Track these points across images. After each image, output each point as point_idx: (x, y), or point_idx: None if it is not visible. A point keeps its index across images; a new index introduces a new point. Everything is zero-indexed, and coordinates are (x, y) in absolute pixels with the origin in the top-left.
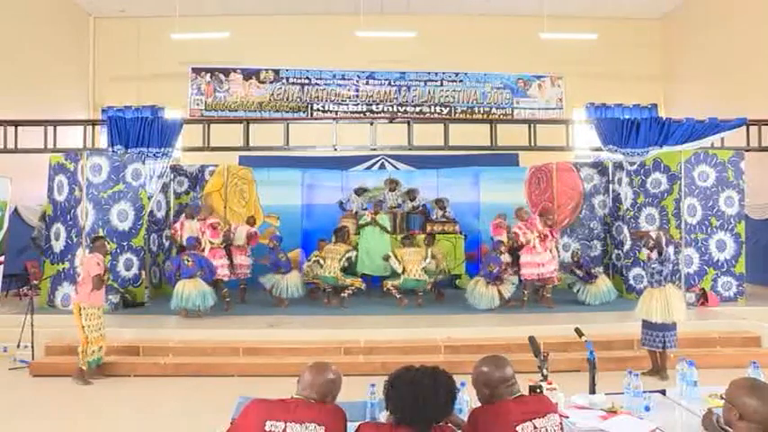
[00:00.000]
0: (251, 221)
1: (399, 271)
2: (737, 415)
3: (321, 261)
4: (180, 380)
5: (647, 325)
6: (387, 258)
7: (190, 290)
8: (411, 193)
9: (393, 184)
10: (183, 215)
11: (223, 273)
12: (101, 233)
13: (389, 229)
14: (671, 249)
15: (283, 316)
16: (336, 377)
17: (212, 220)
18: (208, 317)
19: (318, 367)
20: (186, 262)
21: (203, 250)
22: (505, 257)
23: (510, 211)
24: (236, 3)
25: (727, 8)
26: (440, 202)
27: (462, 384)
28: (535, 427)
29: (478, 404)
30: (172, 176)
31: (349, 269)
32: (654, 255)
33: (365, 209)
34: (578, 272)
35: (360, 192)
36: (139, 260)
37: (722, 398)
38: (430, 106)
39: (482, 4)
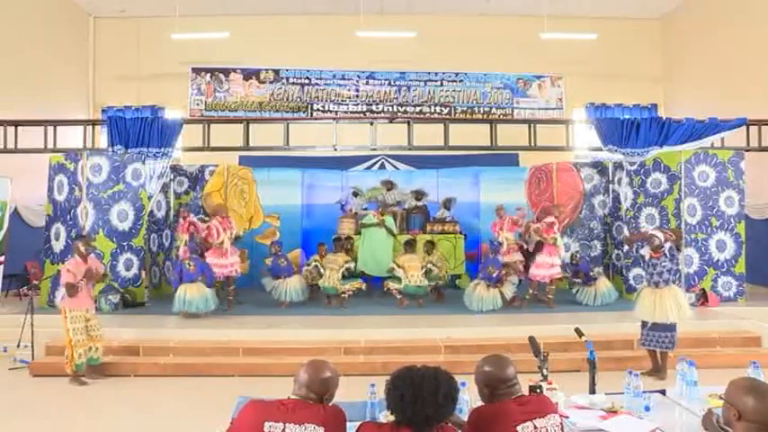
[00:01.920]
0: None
1: (402, 278)
2: (737, 415)
3: (321, 269)
4: (180, 380)
5: (653, 326)
6: (391, 270)
7: (192, 293)
8: (418, 194)
9: (389, 185)
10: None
11: (234, 270)
12: (101, 234)
13: (395, 231)
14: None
15: (283, 316)
16: (333, 375)
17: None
18: (208, 317)
19: (315, 365)
20: (188, 266)
21: (223, 245)
22: (515, 256)
23: (510, 210)
24: (236, 3)
25: (727, 8)
26: (447, 202)
27: (462, 384)
28: (535, 427)
29: (478, 404)
30: (172, 176)
31: (348, 276)
32: (670, 252)
33: (365, 209)
34: (577, 279)
35: (357, 194)
36: (139, 260)
37: (721, 398)
38: (430, 106)
39: (482, 4)
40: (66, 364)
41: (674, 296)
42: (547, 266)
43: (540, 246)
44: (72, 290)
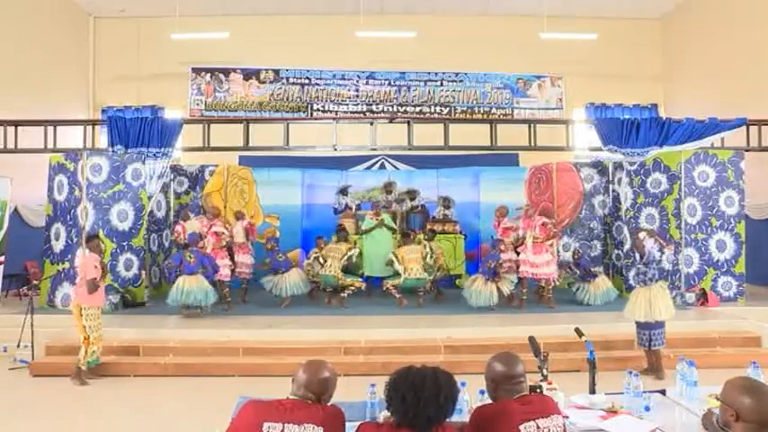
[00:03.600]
0: (240, 215)
1: (401, 271)
2: (734, 416)
3: (321, 259)
4: (180, 380)
5: (636, 324)
6: (390, 263)
7: (191, 285)
8: (411, 194)
9: (389, 187)
10: (181, 220)
11: (225, 273)
12: (101, 233)
13: (395, 227)
14: (668, 251)
15: (283, 316)
16: (332, 375)
17: (217, 228)
18: (208, 317)
19: (313, 366)
20: (188, 259)
21: (204, 248)
22: (509, 255)
23: (509, 212)
24: (236, 3)
25: (727, 8)
26: (445, 201)
27: (462, 384)
28: (538, 427)
29: (479, 404)
30: (172, 176)
31: (349, 269)
32: (637, 256)
33: (359, 207)
34: (577, 270)
35: (344, 191)
36: (139, 260)
37: (718, 399)
38: (430, 106)
39: (482, 4)
40: (81, 362)
41: (648, 297)
42: (528, 264)
43: (518, 243)
44: (94, 287)
